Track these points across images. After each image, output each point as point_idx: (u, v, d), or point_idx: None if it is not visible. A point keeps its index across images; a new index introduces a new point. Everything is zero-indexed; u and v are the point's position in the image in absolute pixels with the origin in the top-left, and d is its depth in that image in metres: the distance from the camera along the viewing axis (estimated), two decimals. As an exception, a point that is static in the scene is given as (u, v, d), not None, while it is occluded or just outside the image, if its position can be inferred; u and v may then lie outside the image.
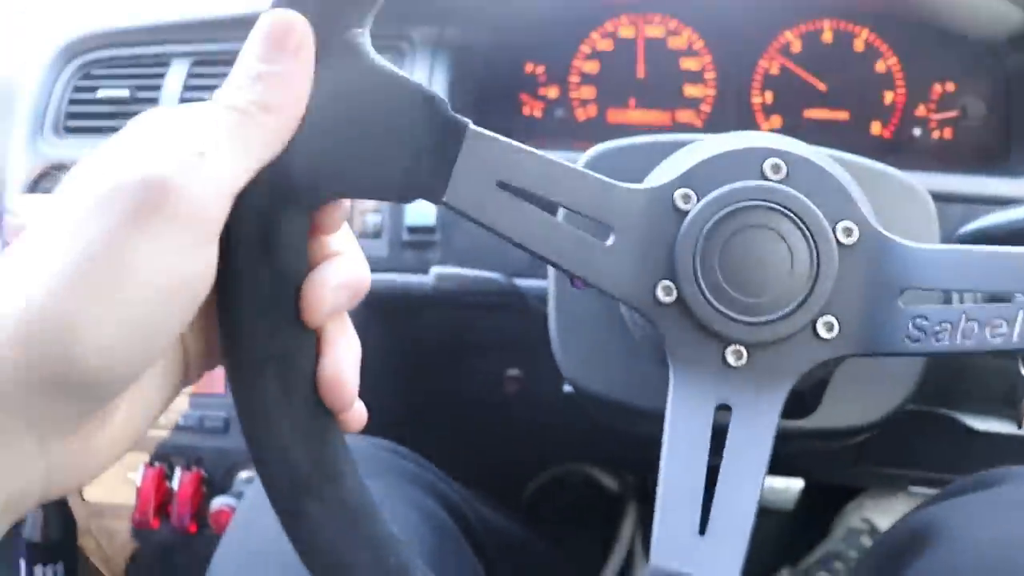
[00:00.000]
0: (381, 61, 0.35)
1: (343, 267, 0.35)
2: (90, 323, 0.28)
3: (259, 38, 0.32)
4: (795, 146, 0.44)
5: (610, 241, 0.40)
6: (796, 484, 1.18)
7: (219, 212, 0.31)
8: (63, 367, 0.28)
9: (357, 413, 0.36)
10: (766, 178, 0.41)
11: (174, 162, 0.29)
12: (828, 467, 0.97)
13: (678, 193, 0.41)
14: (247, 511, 0.61)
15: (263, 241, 0.34)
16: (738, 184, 0.41)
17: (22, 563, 0.48)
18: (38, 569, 0.58)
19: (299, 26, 0.32)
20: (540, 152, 0.38)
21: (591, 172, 0.39)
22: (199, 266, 0.31)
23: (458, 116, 0.36)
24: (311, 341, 0.35)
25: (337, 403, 0.35)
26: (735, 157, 0.42)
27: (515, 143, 0.38)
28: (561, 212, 0.41)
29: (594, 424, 0.69)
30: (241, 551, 0.58)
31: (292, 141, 0.33)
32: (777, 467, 0.99)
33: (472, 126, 0.36)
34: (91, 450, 0.32)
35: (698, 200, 0.41)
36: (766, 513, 1.14)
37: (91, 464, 0.32)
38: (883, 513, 1.11)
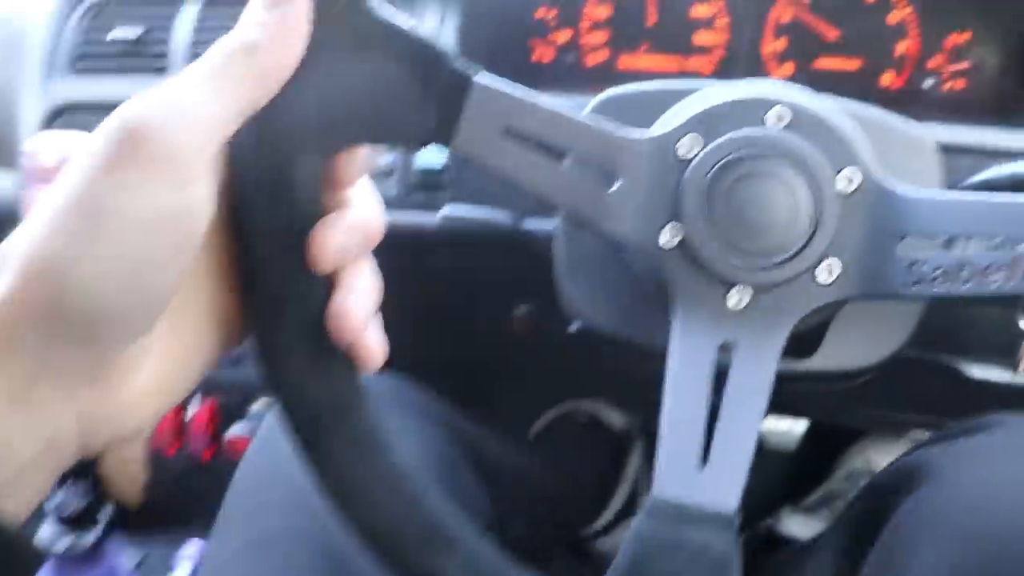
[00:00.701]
0: (390, 13, 0.36)
1: (355, 212, 0.37)
2: (73, 263, 0.30)
3: None
4: (800, 95, 0.45)
5: (615, 187, 0.41)
6: (798, 426, 1.20)
7: (202, 151, 0.32)
8: (55, 306, 0.30)
9: (372, 354, 0.37)
10: (770, 126, 0.42)
11: (154, 104, 0.31)
12: (830, 409, 0.99)
13: (683, 140, 0.42)
14: (264, 438, 0.63)
15: (277, 186, 0.35)
16: (741, 132, 0.42)
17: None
18: (66, 487, 0.61)
19: None
20: (546, 99, 0.39)
21: (597, 119, 0.40)
22: (184, 207, 0.31)
23: (465, 66, 0.37)
24: (327, 283, 0.37)
25: (343, 339, 0.36)
26: (740, 106, 0.43)
27: (522, 91, 0.39)
28: (567, 159, 0.43)
29: (601, 363, 0.70)
30: (259, 476, 0.60)
31: (304, 89, 0.34)
32: (780, 407, 1.01)
33: (479, 76, 0.37)
34: (122, 403, 0.33)
35: (702, 148, 0.42)
36: (768, 454, 1.16)
37: (124, 417, 0.34)
38: (884, 456, 1.13)
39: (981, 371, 0.81)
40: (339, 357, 0.37)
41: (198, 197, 0.32)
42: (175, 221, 0.31)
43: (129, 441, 0.36)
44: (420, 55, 0.36)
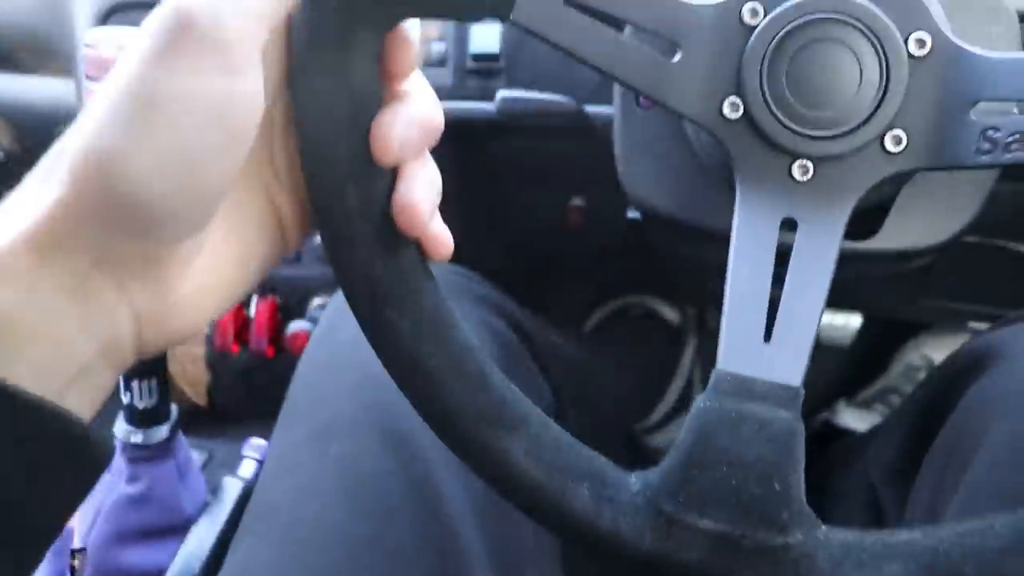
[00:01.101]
0: None
1: (413, 105, 0.36)
2: (129, 150, 0.29)
3: None
4: None
5: (677, 57, 0.40)
6: (854, 321, 1.19)
7: (252, 38, 0.31)
8: (110, 199, 0.30)
9: (439, 243, 0.37)
10: None
11: None
12: (888, 300, 0.97)
13: (746, 7, 0.40)
14: (324, 331, 0.65)
15: (336, 62, 0.35)
16: None
17: (120, 378, 0.52)
18: (135, 383, 0.63)
19: None
20: None
21: None
22: (235, 96, 0.31)
23: None
24: (390, 175, 0.36)
25: (411, 230, 0.36)
26: None
27: None
28: (628, 29, 0.41)
29: (656, 255, 0.70)
30: (321, 367, 0.61)
31: None
32: (837, 299, 0.99)
33: None
34: (176, 302, 0.33)
35: (766, 14, 0.40)
36: (823, 349, 1.16)
37: (180, 315, 0.34)
38: (941, 350, 1.12)
39: (1049, 257, 0.79)
40: (406, 245, 0.37)
41: (249, 85, 0.31)
42: (227, 110, 0.31)
43: (187, 340, 0.36)
44: None
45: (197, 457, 0.76)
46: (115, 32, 0.62)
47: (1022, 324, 0.59)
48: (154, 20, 0.30)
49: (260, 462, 0.71)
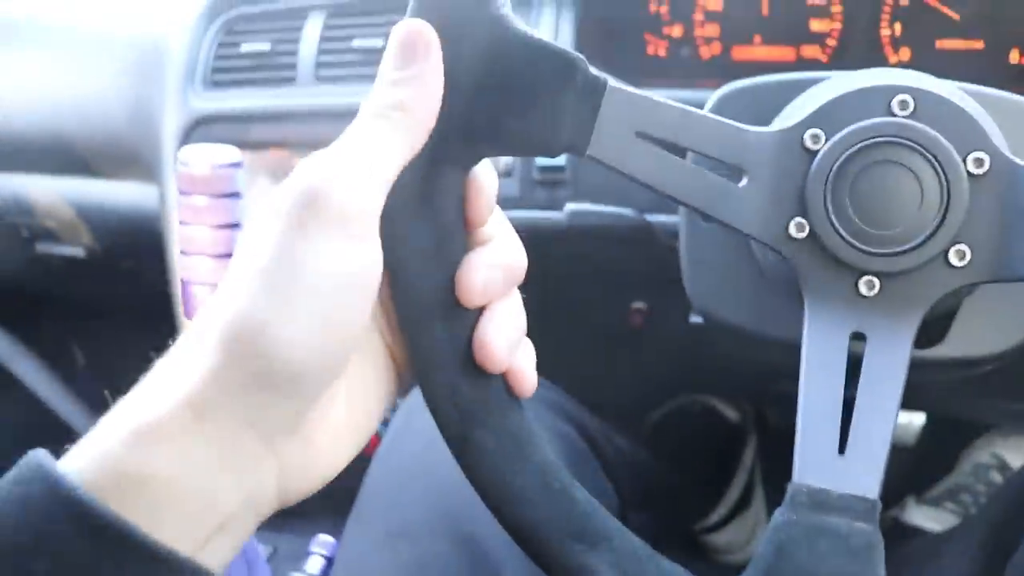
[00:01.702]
0: (524, 28, 0.38)
1: (498, 249, 0.39)
2: (278, 320, 0.32)
3: (392, 48, 0.36)
4: (922, 80, 0.45)
5: (743, 183, 0.42)
6: (917, 419, 1.18)
7: (371, 208, 0.35)
8: (262, 362, 0.32)
9: (521, 381, 0.39)
10: (894, 114, 0.42)
11: (327, 170, 0.34)
12: (953, 400, 0.96)
13: (807, 134, 0.42)
14: (397, 435, 0.66)
15: (424, 197, 0.37)
16: (866, 122, 0.42)
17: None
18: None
19: (425, 32, 0.36)
20: (672, 101, 0.40)
21: (722, 118, 0.41)
22: (364, 259, 0.34)
23: (598, 74, 0.39)
24: (476, 315, 0.38)
25: (490, 367, 0.38)
26: (862, 95, 0.43)
27: (650, 95, 0.40)
28: (690, 156, 0.44)
29: (715, 357, 0.71)
30: (395, 471, 0.63)
31: (449, 105, 0.36)
32: (904, 398, 0.98)
33: (611, 82, 0.39)
34: (316, 451, 0.36)
35: (827, 139, 0.42)
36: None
37: (318, 465, 0.36)
38: (1014, 449, 1.10)
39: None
40: (491, 376, 0.39)
41: (373, 250, 0.35)
42: (357, 274, 0.34)
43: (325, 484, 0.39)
44: (554, 64, 0.38)
45: (263, 550, 0.77)
46: (207, 150, 0.66)
47: None
48: (285, 195, 0.34)
49: (328, 559, 0.72)
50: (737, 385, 1.03)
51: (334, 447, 0.37)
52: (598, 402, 0.81)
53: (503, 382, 0.39)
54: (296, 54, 0.92)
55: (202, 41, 0.95)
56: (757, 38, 0.88)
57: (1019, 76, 0.84)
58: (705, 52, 0.90)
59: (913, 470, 1.15)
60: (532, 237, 0.79)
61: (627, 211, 0.70)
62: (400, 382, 0.40)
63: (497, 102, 0.37)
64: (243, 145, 0.96)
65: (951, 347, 0.57)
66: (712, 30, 0.89)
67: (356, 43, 0.89)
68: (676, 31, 0.90)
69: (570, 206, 0.73)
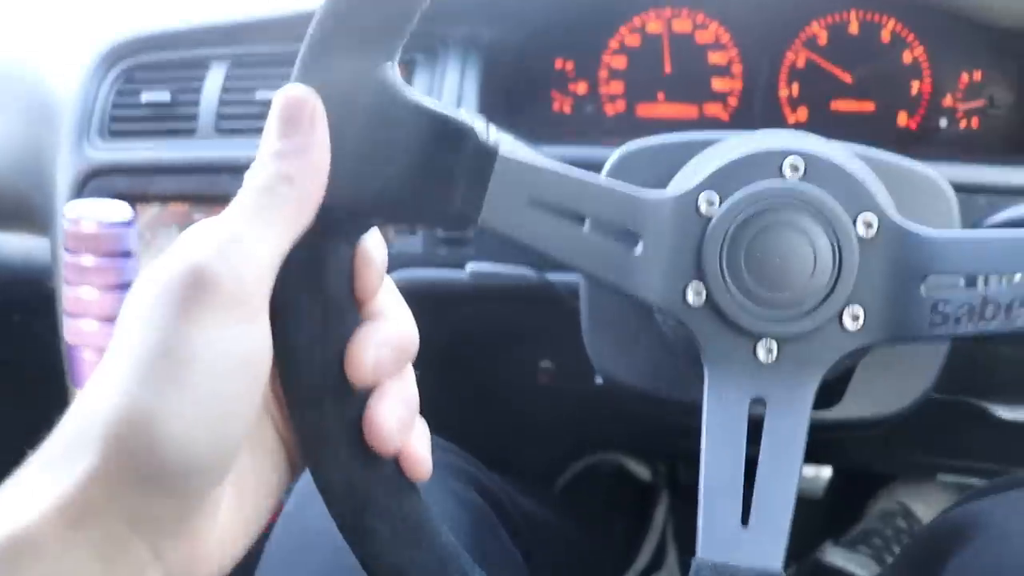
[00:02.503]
0: (414, 94, 0.36)
1: (389, 326, 0.37)
2: (164, 413, 0.30)
3: (275, 116, 0.34)
4: (813, 144, 0.45)
5: (639, 248, 0.41)
6: (825, 472, 1.19)
7: (260, 288, 0.33)
8: (147, 460, 0.30)
9: (414, 463, 0.37)
10: (785, 177, 0.43)
11: (210, 249, 0.31)
12: (858, 455, 0.98)
13: (702, 197, 0.42)
14: (292, 511, 0.63)
15: (311, 273, 0.35)
16: (758, 185, 0.42)
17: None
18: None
19: (310, 100, 0.34)
20: (566, 167, 0.40)
21: (617, 183, 0.41)
22: (254, 342, 0.32)
23: (490, 141, 0.37)
24: (366, 394, 0.36)
25: (381, 448, 0.36)
26: (755, 158, 0.43)
27: (543, 161, 0.40)
28: (588, 223, 0.43)
29: (625, 415, 0.70)
30: (290, 548, 0.60)
31: (336, 177, 0.35)
32: (806, 455, 1.00)
33: (502, 150, 0.38)
34: (204, 551, 0.33)
35: (721, 203, 0.42)
36: (796, 501, 1.15)
37: (207, 561, 0.34)
38: (916, 497, 1.12)
39: (1010, 412, 0.80)
40: (383, 459, 0.37)
41: (263, 332, 0.33)
42: (248, 359, 0.32)
43: None
44: (445, 132, 0.37)
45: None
46: (94, 206, 0.63)
47: (1006, 493, 0.59)
48: (168, 275, 0.31)
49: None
50: (647, 443, 1.03)
51: (223, 544, 0.34)
52: (507, 464, 0.79)
53: (396, 465, 0.37)
54: (197, 105, 0.90)
55: (99, 89, 0.92)
56: (661, 96, 0.90)
57: (907, 137, 0.87)
58: (610, 109, 0.91)
59: (824, 521, 1.16)
60: (435, 297, 0.79)
61: (528, 272, 0.70)
62: (292, 469, 0.38)
63: (385, 172, 0.36)
64: (141, 198, 0.94)
65: (848, 408, 0.57)
66: (617, 87, 0.90)
67: (259, 95, 0.87)
68: (581, 88, 0.91)
69: (471, 266, 0.72)
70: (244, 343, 0.32)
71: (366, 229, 0.37)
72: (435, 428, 0.72)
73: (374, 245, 0.37)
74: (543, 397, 0.86)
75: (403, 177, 0.36)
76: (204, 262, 0.31)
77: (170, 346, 0.30)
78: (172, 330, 0.30)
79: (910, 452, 0.94)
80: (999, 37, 0.83)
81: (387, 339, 0.36)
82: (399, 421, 0.36)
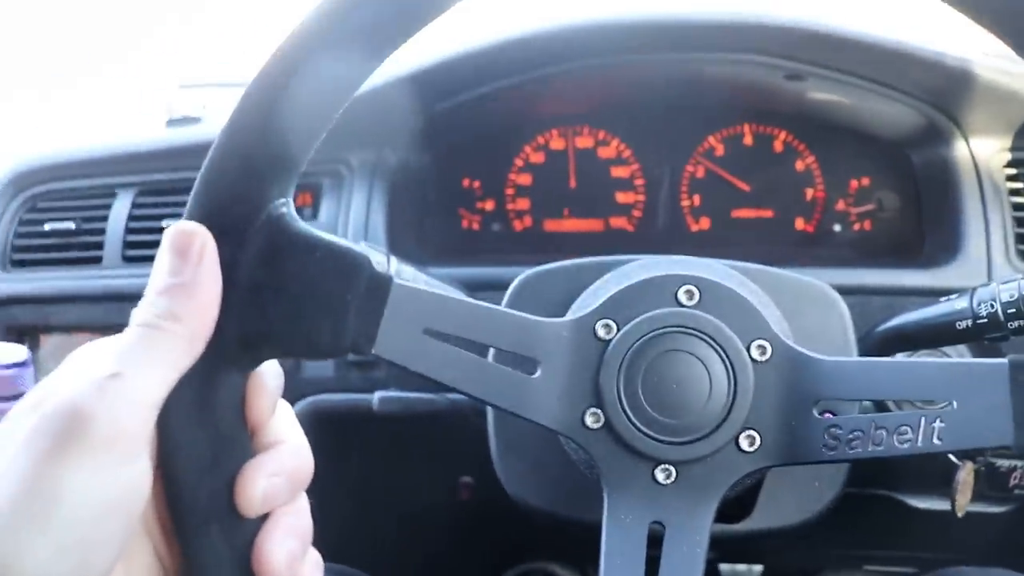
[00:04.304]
0: (304, 228, 0.37)
1: (281, 455, 0.36)
2: (26, 559, 0.29)
3: (164, 252, 0.34)
4: (707, 270, 0.47)
5: (537, 374, 0.42)
6: (756, 568, 1.19)
7: (140, 428, 0.32)
8: None
9: None
10: (681, 304, 0.44)
11: (88, 387, 0.31)
12: (783, 555, 0.98)
13: (599, 324, 0.43)
14: None
15: (201, 404, 0.35)
16: (654, 312, 0.43)
17: None
18: None
19: (199, 235, 0.34)
20: (462, 296, 0.40)
21: (512, 311, 0.42)
22: (129, 483, 0.31)
23: (382, 271, 0.38)
24: (256, 525, 0.36)
25: None
26: (650, 285, 0.45)
27: (439, 290, 0.40)
28: (484, 349, 0.43)
29: (548, 526, 0.70)
30: None
31: (227, 310, 0.35)
32: (734, 555, 1.00)
33: (397, 280, 0.38)
34: None
35: (618, 329, 0.43)
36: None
37: None
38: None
39: (922, 502, 0.82)
40: None
41: (141, 471, 0.32)
42: (121, 499, 0.31)
43: None
44: (338, 264, 0.37)
45: None
46: (-11, 349, 0.61)
47: None
48: (38, 415, 0.30)
49: None
50: (573, 549, 1.02)
51: None
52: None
53: None
54: (103, 233, 0.89)
55: (1, 218, 0.90)
56: (567, 211, 0.92)
57: (804, 241, 0.90)
58: (518, 225, 0.93)
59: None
60: (347, 420, 0.78)
61: (436, 396, 0.70)
62: None
63: (277, 305, 0.36)
64: (45, 329, 0.91)
65: (759, 520, 0.58)
66: (523, 204, 0.92)
67: (166, 223, 0.86)
68: (489, 206, 0.92)
69: (379, 394, 0.72)
70: (116, 487, 0.31)
71: (259, 362, 0.37)
72: (352, 553, 0.70)
73: (268, 373, 0.37)
74: (466, 512, 0.84)
75: (295, 310, 0.36)
76: (80, 401, 0.30)
77: (37, 488, 0.29)
78: (40, 472, 0.29)
79: (834, 547, 0.95)
80: (883, 146, 0.88)
81: (280, 468, 0.36)
82: (288, 554, 0.35)
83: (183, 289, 0.33)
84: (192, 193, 0.36)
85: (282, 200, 0.36)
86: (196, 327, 0.34)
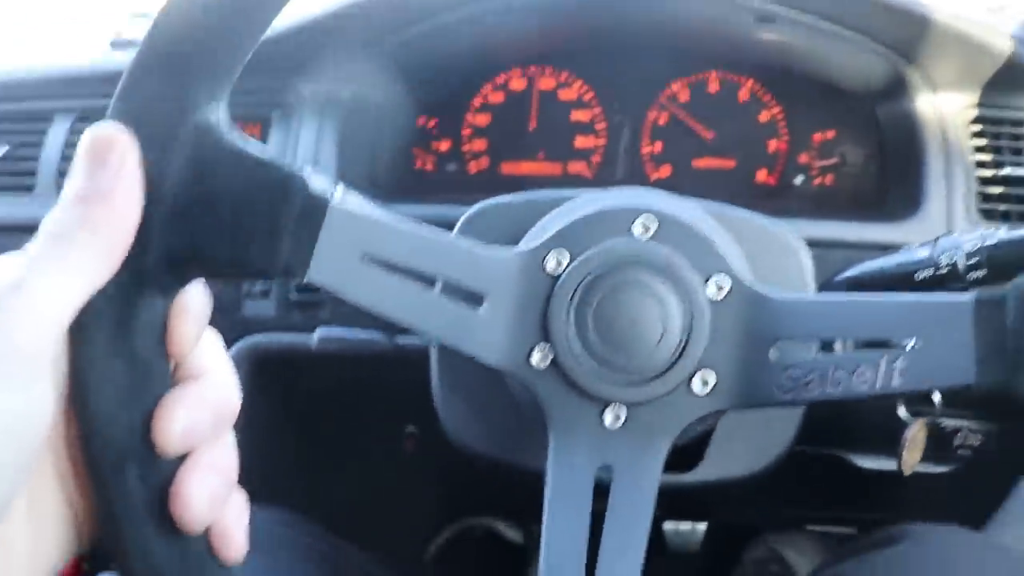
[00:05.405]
0: (238, 139, 0.34)
1: (206, 387, 0.34)
2: None
3: (81, 156, 0.31)
4: (666, 202, 0.44)
5: (483, 308, 0.39)
6: (700, 525, 1.20)
7: (41, 346, 0.29)
8: None
9: (226, 541, 0.34)
10: (636, 237, 0.42)
11: None
12: (727, 510, 0.98)
13: (549, 255, 0.41)
14: None
15: (117, 328, 0.32)
16: (607, 244, 0.41)
17: None
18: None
19: (120, 138, 0.31)
20: (405, 219, 0.38)
21: (461, 239, 0.39)
22: (30, 403, 0.29)
23: (319, 191, 0.35)
24: (175, 463, 0.33)
25: (185, 523, 0.33)
26: (604, 217, 0.42)
27: (382, 214, 0.37)
28: (427, 278, 0.41)
29: (492, 479, 0.68)
30: None
31: (149, 223, 0.32)
32: (678, 512, 1.00)
33: (335, 201, 0.35)
34: None
35: (569, 262, 0.41)
36: (674, 556, 1.15)
37: None
38: (787, 545, 1.14)
39: (870, 462, 0.82)
40: (191, 536, 0.33)
41: (41, 395, 0.29)
42: (17, 425, 0.28)
43: None
44: (269, 180, 0.34)
45: None
46: None
47: (868, 554, 0.60)
48: None
49: None
50: (516, 505, 1.01)
51: None
52: (375, 535, 0.75)
53: (206, 543, 0.34)
54: (37, 160, 0.84)
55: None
56: (525, 154, 0.89)
57: (766, 194, 0.89)
58: (473, 167, 0.90)
59: (701, 574, 1.16)
60: (288, 361, 0.75)
61: (378, 336, 0.67)
62: (79, 538, 0.34)
63: (204, 220, 0.33)
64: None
65: (708, 470, 0.56)
66: (480, 145, 0.89)
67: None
68: (444, 146, 0.89)
69: (318, 332, 0.69)
70: (20, 402, 0.28)
71: (184, 283, 0.34)
72: (293, 501, 0.68)
73: (193, 296, 0.34)
74: (409, 463, 0.82)
75: (223, 227, 0.33)
76: None
77: None
78: None
79: (778, 505, 0.95)
80: (848, 99, 0.86)
81: (202, 402, 0.33)
82: (210, 494, 0.33)
83: (100, 197, 0.30)
84: (115, 93, 0.32)
85: (213, 104, 0.33)
86: (113, 240, 0.31)
